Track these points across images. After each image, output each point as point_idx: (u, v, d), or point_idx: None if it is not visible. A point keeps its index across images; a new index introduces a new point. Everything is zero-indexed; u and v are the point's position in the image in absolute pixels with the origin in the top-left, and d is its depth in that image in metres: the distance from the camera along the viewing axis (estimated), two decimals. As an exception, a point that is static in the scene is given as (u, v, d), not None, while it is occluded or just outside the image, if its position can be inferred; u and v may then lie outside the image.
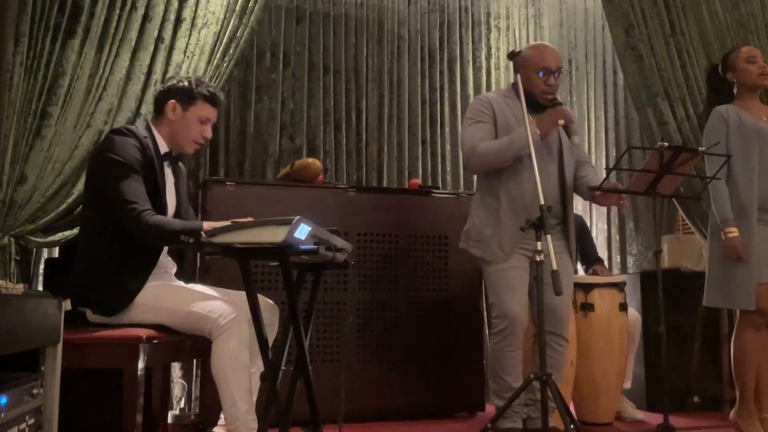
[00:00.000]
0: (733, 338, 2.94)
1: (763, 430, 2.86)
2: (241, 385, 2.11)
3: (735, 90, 3.05)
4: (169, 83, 2.43)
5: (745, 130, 2.91)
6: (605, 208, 4.79)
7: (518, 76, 2.80)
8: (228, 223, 2.04)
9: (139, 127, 2.39)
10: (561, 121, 2.68)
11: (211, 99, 2.41)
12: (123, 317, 2.22)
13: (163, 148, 2.40)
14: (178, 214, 2.48)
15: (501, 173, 2.79)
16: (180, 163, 2.55)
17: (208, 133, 2.43)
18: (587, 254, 3.87)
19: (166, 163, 2.40)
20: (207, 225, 2.13)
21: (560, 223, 2.87)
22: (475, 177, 4.45)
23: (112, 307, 2.22)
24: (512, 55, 2.81)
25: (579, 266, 3.86)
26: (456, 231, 3.54)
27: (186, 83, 2.39)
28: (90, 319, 2.24)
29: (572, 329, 3.19)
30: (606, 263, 4.22)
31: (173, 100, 2.37)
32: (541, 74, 2.77)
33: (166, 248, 2.44)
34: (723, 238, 2.82)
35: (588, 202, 4.57)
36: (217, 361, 2.13)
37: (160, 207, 2.30)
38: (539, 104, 2.79)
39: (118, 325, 2.20)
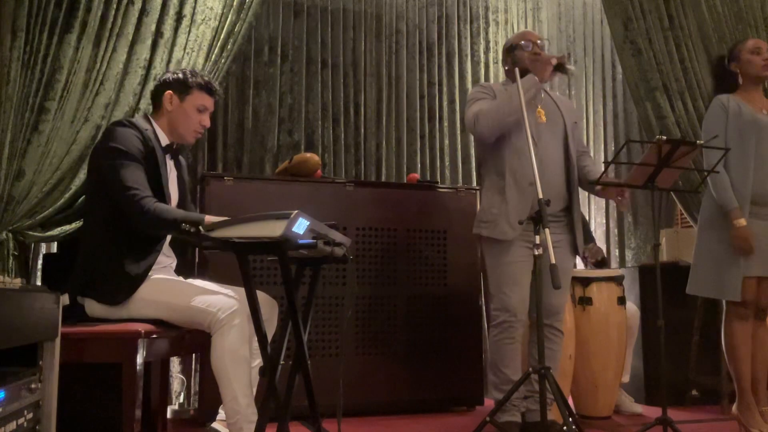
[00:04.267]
0: (722, 330, 2.96)
1: (764, 422, 2.87)
2: (242, 379, 2.11)
3: (740, 81, 3.06)
4: (164, 76, 2.48)
5: (743, 121, 2.92)
6: (604, 201, 4.80)
7: (516, 70, 2.80)
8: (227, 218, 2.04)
9: (139, 120, 2.41)
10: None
11: (207, 88, 2.47)
12: (122, 311, 2.22)
13: (164, 140, 2.43)
14: (182, 207, 2.49)
15: (505, 152, 2.80)
16: (180, 157, 2.56)
17: (207, 121, 2.49)
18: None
19: (167, 156, 2.43)
20: (209, 219, 2.13)
21: (565, 209, 2.87)
22: (474, 171, 4.46)
23: (117, 294, 2.22)
24: (510, 49, 2.82)
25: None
26: (455, 225, 3.57)
27: (181, 75, 2.45)
28: (89, 314, 2.24)
29: (570, 323, 3.20)
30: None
31: (170, 91, 2.43)
32: (528, 47, 2.84)
33: (167, 242, 2.45)
34: (731, 228, 2.81)
35: (586, 194, 4.58)
36: (217, 355, 2.13)
37: (163, 198, 2.31)
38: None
39: (117, 319, 2.20)
